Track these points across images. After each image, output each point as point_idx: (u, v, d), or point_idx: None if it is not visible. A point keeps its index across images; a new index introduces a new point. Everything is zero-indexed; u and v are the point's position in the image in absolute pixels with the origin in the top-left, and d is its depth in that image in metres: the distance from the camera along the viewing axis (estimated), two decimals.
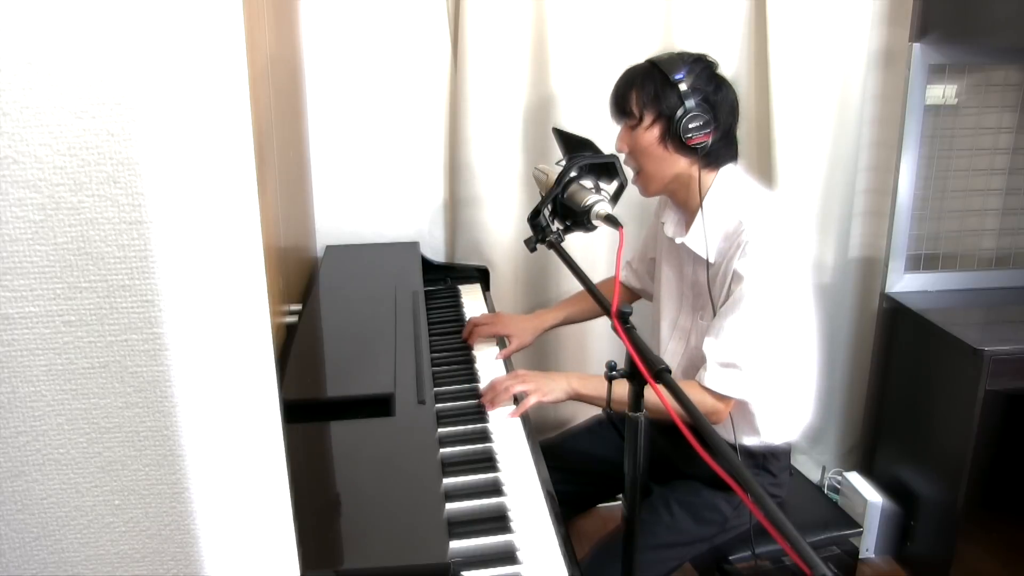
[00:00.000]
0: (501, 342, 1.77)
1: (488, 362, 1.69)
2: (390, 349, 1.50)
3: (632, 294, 1.91)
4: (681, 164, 1.47)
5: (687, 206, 1.54)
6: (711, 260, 1.47)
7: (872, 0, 2.06)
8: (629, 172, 1.52)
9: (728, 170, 1.50)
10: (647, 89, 1.44)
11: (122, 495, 0.64)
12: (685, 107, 1.41)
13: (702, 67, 1.45)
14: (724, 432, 1.52)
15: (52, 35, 0.54)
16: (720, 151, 1.48)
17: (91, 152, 0.56)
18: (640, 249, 1.86)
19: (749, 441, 1.54)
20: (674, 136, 1.43)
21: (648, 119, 1.45)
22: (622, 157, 1.50)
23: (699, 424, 0.87)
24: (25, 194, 0.56)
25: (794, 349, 1.50)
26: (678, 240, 1.54)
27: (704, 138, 1.43)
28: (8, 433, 0.61)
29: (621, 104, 1.49)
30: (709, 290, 1.47)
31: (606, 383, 1.09)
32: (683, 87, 1.41)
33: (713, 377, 1.41)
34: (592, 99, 2.04)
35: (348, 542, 1.01)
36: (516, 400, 1.49)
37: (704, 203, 1.47)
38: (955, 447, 1.98)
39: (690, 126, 1.41)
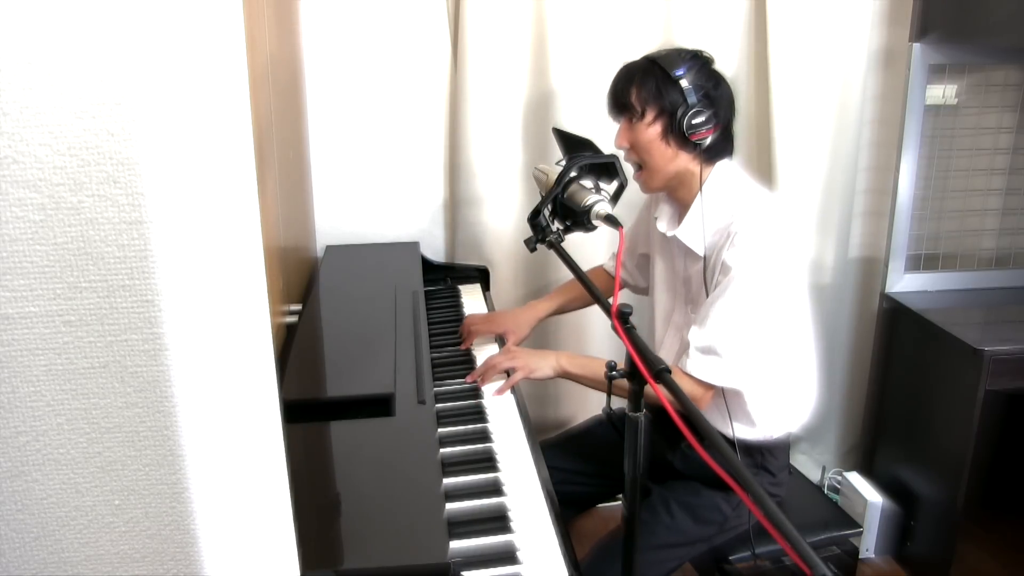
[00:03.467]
0: (501, 340, 1.77)
1: None
2: (390, 349, 1.50)
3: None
4: (682, 159, 1.48)
5: (682, 200, 1.54)
6: (702, 253, 1.47)
7: (872, 0, 2.06)
8: (630, 170, 1.52)
9: (724, 165, 1.50)
10: (648, 85, 1.44)
11: (122, 495, 0.64)
12: (687, 103, 1.41)
13: (700, 63, 1.45)
14: (721, 425, 1.52)
15: (52, 35, 0.54)
16: (719, 146, 1.48)
17: (91, 152, 0.56)
18: (628, 245, 1.84)
19: (746, 434, 1.54)
20: (677, 132, 1.43)
21: (650, 115, 1.45)
22: (622, 154, 1.50)
23: (699, 424, 0.87)
24: (25, 194, 0.56)
25: (786, 340, 1.49)
26: (670, 233, 1.54)
27: (706, 134, 1.43)
28: (8, 433, 0.61)
29: (621, 99, 1.48)
30: (705, 283, 1.47)
31: (596, 363, 1.09)
32: (684, 83, 1.41)
33: (693, 363, 1.42)
34: (592, 99, 2.04)
35: (348, 542, 1.01)
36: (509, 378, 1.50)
37: (701, 197, 1.47)
38: (955, 447, 1.98)
39: (693, 122, 1.41)
